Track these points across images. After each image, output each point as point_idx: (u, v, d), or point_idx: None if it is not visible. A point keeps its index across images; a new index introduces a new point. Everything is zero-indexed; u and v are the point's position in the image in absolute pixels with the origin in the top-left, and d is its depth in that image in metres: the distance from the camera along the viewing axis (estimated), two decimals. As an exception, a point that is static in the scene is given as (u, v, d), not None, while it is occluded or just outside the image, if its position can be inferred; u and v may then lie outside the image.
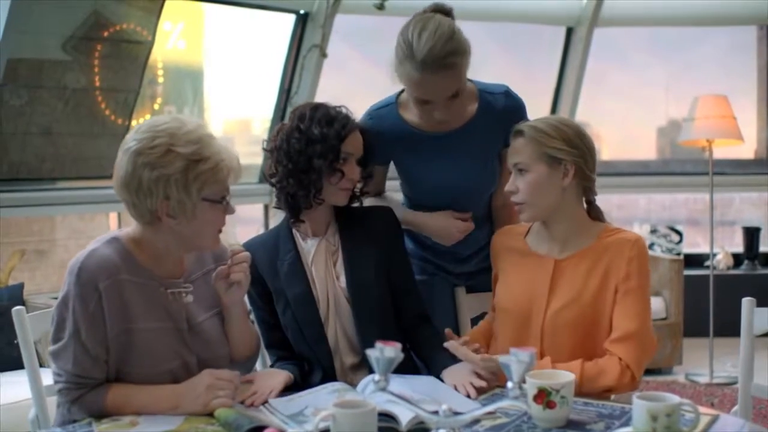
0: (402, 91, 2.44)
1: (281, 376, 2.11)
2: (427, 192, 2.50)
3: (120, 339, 1.91)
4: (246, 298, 2.30)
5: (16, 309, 2.16)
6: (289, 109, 5.10)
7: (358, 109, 2.33)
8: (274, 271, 2.25)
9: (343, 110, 2.24)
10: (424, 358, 2.25)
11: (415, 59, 2.19)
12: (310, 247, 2.26)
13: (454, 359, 2.13)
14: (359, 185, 2.30)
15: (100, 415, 1.90)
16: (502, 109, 2.41)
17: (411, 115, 2.41)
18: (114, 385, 1.92)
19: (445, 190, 2.47)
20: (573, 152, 2.13)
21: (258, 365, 2.47)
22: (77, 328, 1.87)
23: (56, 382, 1.94)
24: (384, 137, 2.38)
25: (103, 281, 1.87)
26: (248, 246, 2.27)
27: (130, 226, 2.03)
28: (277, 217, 5.05)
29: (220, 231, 2.01)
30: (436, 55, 2.18)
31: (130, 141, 1.92)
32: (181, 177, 1.89)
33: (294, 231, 2.28)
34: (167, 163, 1.88)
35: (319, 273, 2.24)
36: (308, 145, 2.18)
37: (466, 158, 2.44)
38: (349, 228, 2.28)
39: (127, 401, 1.90)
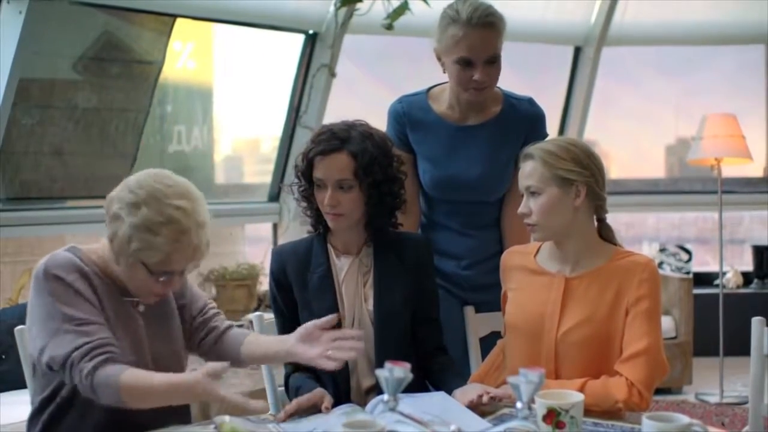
0: (433, 86, 2.63)
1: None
2: (439, 180, 2.59)
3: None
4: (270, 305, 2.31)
5: (19, 328, 2.16)
6: (299, 129, 5.13)
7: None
8: (303, 282, 2.25)
9: (330, 132, 2.20)
10: (437, 383, 2.23)
11: (460, 19, 2.44)
12: (342, 264, 2.27)
13: (465, 383, 2.13)
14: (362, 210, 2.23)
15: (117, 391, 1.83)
16: (525, 114, 2.60)
17: (438, 105, 2.61)
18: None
19: (457, 180, 2.57)
20: (584, 173, 2.14)
21: (267, 388, 2.46)
22: (66, 313, 1.88)
23: (53, 387, 1.95)
24: (410, 118, 2.60)
25: (70, 274, 1.92)
26: (280, 251, 2.29)
27: (97, 244, 2.05)
28: (285, 237, 5.07)
29: (158, 295, 2.00)
30: (479, 14, 2.44)
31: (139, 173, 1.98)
32: (127, 230, 1.91)
33: (328, 245, 2.29)
34: (128, 213, 1.91)
35: (349, 291, 2.24)
36: (301, 170, 2.24)
37: (483, 152, 2.57)
38: (384, 252, 2.27)
39: (143, 377, 1.86)
